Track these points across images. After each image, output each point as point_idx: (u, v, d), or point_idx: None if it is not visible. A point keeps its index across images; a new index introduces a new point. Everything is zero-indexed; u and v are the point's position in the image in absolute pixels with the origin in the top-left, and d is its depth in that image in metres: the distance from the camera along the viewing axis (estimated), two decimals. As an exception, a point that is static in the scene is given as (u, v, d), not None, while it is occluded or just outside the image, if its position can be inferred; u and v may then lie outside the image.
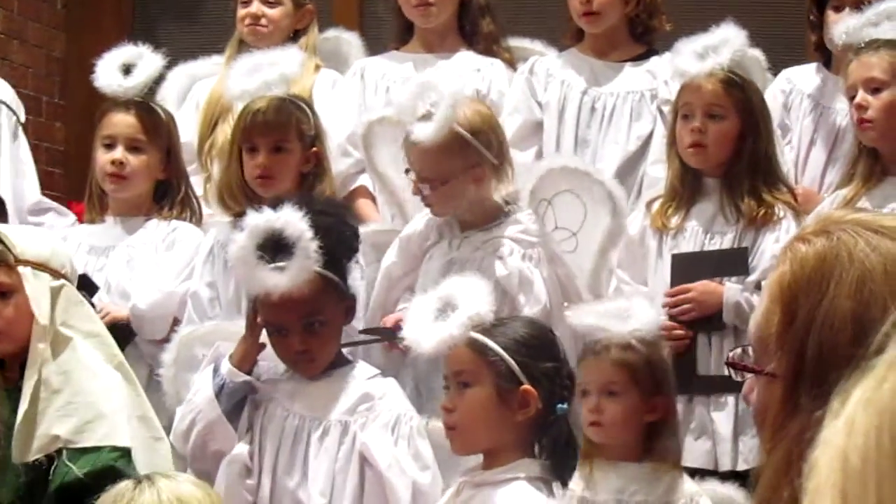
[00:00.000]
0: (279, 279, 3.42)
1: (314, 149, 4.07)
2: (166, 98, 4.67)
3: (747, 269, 3.86)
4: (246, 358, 3.54)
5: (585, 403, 3.37)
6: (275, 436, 3.52)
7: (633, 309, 3.43)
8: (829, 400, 1.68)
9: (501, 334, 3.18)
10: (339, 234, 3.57)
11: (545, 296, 3.78)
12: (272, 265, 3.42)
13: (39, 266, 3.26)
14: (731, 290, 3.85)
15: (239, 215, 3.77)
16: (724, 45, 3.96)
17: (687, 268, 3.89)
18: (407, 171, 3.90)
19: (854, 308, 1.66)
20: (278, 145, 4.01)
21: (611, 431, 3.35)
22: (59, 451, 3.20)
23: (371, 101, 4.50)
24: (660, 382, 3.37)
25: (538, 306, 3.76)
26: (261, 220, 3.46)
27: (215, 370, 3.56)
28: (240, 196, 4.02)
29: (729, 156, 3.96)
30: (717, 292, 3.84)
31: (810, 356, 1.67)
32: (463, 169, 3.81)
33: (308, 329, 3.48)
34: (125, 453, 3.21)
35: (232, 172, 4.06)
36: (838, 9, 4.26)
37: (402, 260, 3.93)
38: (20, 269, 3.25)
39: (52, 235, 3.59)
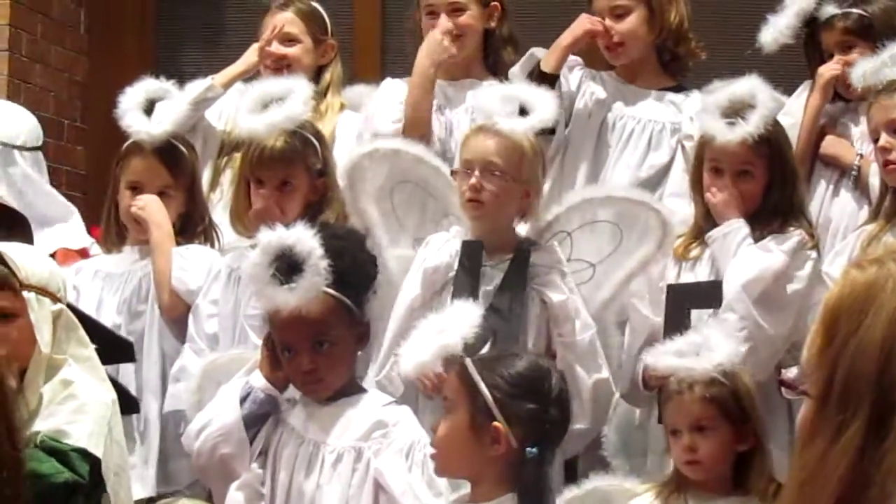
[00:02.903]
0: (288, 296, 3.45)
1: (322, 178, 4.08)
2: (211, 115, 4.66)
3: (720, 301, 3.79)
4: (280, 379, 3.55)
5: (677, 444, 3.42)
6: (289, 461, 3.51)
7: (709, 342, 3.47)
8: (847, 429, 1.66)
9: (491, 368, 3.13)
10: (352, 257, 3.57)
11: (592, 321, 3.82)
12: (285, 286, 3.45)
13: (41, 290, 3.18)
14: None
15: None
16: (752, 111, 3.83)
17: (678, 299, 3.83)
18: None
19: (884, 340, 1.68)
20: (285, 181, 4.04)
21: (709, 467, 3.39)
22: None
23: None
24: (747, 411, 3.41)
25: (591, 331, 3.78)
26: (273, 237, 3.52)
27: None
28: (246, 225, 4.06)
29: (757, 205, 3.90)
30: None
31: (838, 381, 1.70)
32: (531, 181, 3.81)
33: (316, 349, 3.48)
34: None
35: (240, 203, 4.12)
36: (831, 56, 4.27)
37: (425, 292, 3.85)
38: (24, 294, 3.16)
39: (46, 255, 3.50)
